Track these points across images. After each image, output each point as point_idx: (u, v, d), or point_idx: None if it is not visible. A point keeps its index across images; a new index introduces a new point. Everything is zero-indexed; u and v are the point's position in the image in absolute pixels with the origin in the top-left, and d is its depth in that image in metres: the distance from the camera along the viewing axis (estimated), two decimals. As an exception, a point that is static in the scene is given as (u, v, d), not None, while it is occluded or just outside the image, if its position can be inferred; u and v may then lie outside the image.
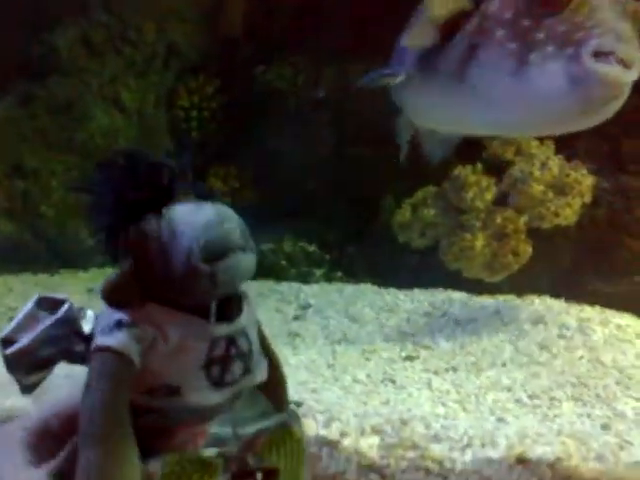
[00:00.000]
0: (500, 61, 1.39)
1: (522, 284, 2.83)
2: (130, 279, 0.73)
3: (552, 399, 1.79)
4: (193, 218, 0.72)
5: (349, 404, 1.71)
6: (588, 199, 2.75)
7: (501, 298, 2.79)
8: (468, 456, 1.30)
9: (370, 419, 1.49)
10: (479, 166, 2.95)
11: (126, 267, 0.73)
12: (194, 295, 0.72)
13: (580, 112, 1.44)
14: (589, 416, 1.64)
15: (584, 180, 2.76)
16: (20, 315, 0.78)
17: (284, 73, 3.62)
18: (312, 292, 3.03)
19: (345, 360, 2.22)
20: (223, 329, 0.75)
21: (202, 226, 0.71)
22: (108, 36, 3.71)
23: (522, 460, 1.24)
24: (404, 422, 1.45)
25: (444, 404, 1.81)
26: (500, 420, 1.62)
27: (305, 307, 2.80)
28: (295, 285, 3.15)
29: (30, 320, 0.78)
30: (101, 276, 3.52)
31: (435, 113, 1.83)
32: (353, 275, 3.23)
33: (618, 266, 2.71)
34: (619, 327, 2.38)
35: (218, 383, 0.74)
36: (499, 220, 2.83)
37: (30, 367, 0.77)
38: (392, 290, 2.95)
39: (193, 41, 3.85)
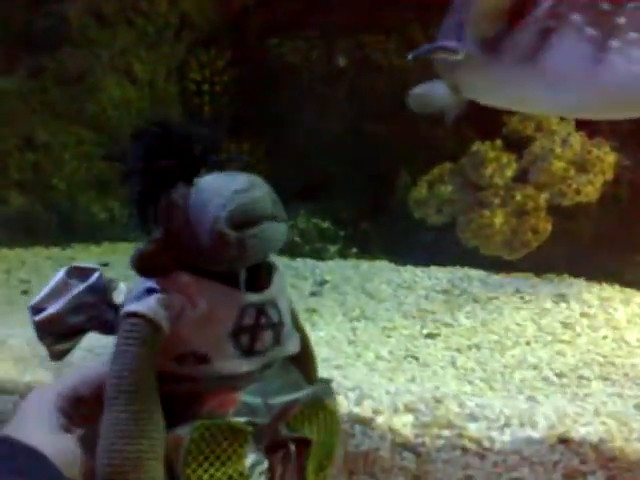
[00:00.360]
0: (577, 47, 1.33)
1: (540, 262, 2.81)
2: (160, 247, 0.72)
3: (580, 378, 1.78)
4: (222, 186, 0.71)
5: (376, 381, 1.69)
6: (610, 177, 2.72)
7: (520, 276, 2.77)
8: (507, 435, 1.29)
9: (402, 397, 1.47)
10: (498, 142, 2.92)
11: (156, 235, 0.71)
12: (223, 263, 0.71)
13: None
14: (620, 396, 1.63)
15: (606, 157, 2.73)
16: (51, 283, 0.78)
17: (297, 47, 3.57)
18: (327, 268, 3.01)
19: (366, 337, 2.20)
20: (253, 297, 0.73)
21: (230, 193, 0.70)
22: (119, 7, 3.65)
23: (564, 440, 1.22)
24: (437, 400, 1.44)
25: (470, 382, 1.79)
26: (530, 399, 1.60)
27: (321, 283, 2.78)
28: (309, 261, 3.13)
29: (61, 288, 0.77)
30: (113, 250, 3.50)
31: (501, 95, 1.77)
32: (368, 252, 3.20)
33: (638, 245, 2.68)
34: (641, 306, 2.36)
35: (248, 352, 0.73)
36: (519, 197, 2.81)
37: (59, 335, 0.77)
38: (409, 267, 2.92)
39: (205, 12, 3.79)
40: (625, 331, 2.13)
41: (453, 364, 1.95)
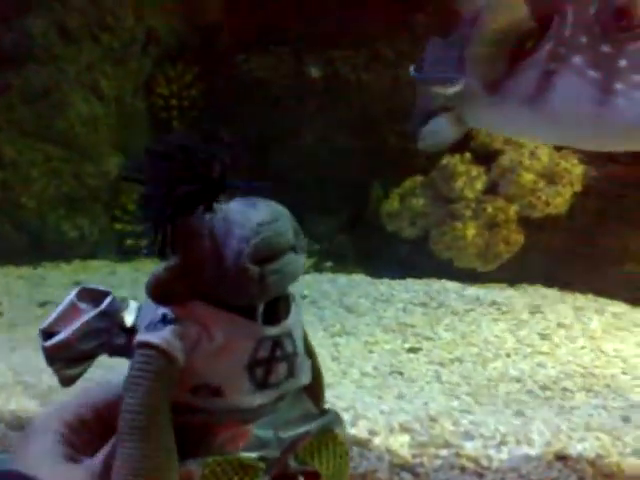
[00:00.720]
0: (580, 90, 1.35)
1: (513, 273, 2.86)
2: (177, 275, 0.70)
3: (564, 390, 1.82)
4: (245, 217, 0.70)
5: (367, 399, 1.71)
6: (578, 188, 2.79)
7: (494, 287, 2.81)
8: (504, 454, 1.32)
9: (397, 416, 1.49)
10: (468, 155, 2.97)
11: (174, 262, 0.70)
12: (243, 296, 0.71)
13: None
14: (605, 408, 1.67)
15: (574, 169, 2.80)
16: (61, 307, 0.76)
17: (266, 63, 3.58)
18: (304, 282, 3.01)
19: (349, 352, 2.22)
20: (270, 331, 0.73)
21: (254, 226, 0.69)
22: (84, 22, 3.62)
23: (562, 457, 1.25)
24: (432, 419, 1.46)
25: (457, 397, 1.82)
26: (519, 413, 1.63)
27: (300, 298, 2.79)
28: (285, 276, 3.12)
29: (71, 312, 0.75)
30: (84, 268, 3.46)
31: (507, 130, 1.79)
32: (343, 265, 3.23)
33: (608, 255, 2.74)
34: (615, 315, 2.42)
35: (262, 385, 0.73)
36: (490, 209, 2.86)
37: (70, 360, 0.75)
38: (385, 280, 2.95)
39: (172, 27, 3.79)
40: (601, 341, 2.19)
41: (438, 379, 1.98)
